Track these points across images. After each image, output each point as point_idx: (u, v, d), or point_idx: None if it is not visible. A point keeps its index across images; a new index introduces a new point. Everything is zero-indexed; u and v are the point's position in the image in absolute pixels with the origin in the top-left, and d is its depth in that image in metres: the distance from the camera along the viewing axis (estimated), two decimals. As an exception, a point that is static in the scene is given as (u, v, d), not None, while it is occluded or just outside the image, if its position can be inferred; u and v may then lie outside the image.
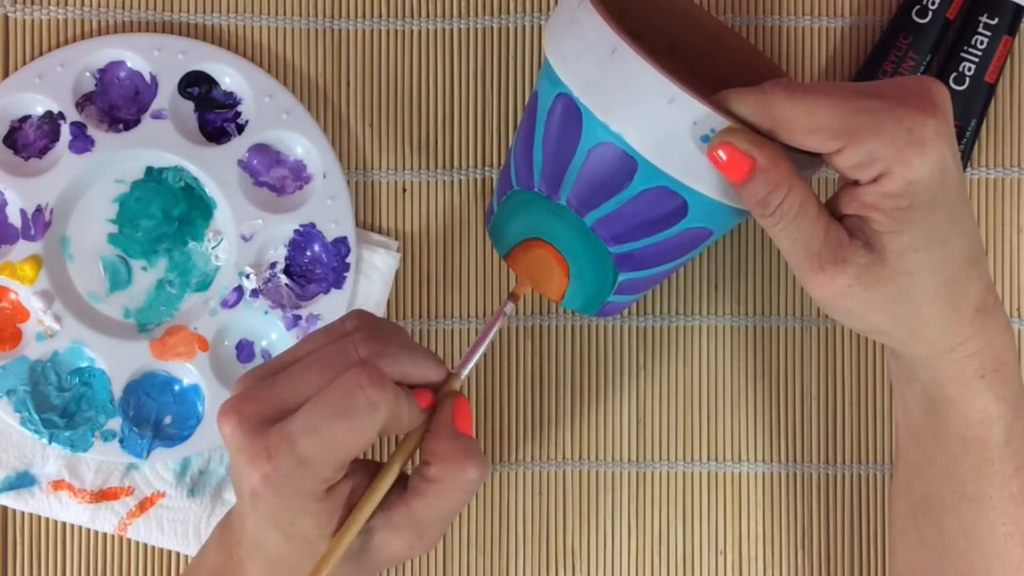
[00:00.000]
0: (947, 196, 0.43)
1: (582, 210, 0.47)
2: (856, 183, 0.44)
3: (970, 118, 0.60)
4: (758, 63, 0.57)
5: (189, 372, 0.58)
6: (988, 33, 0.59)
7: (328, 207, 0.59)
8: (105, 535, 0.60)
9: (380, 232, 0.61)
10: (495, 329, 0.48)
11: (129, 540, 0.60)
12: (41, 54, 0.60)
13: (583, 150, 0.46)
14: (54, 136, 0.59)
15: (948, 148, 0.43)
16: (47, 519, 0.59)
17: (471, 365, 0.47)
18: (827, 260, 0.43)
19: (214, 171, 0.58)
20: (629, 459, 0.61)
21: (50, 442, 0.58)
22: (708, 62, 0.56)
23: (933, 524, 0.49)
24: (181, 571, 0.60)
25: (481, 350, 0.48)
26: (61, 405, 0.58)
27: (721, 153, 0.43)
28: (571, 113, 0.46)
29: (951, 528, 0.48)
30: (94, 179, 0.59)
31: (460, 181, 0.61)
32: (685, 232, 0.48)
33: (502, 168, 0.51)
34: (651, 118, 0.44)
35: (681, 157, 0.44)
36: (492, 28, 0.61)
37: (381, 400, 0.41)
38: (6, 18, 0.61)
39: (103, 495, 0.58)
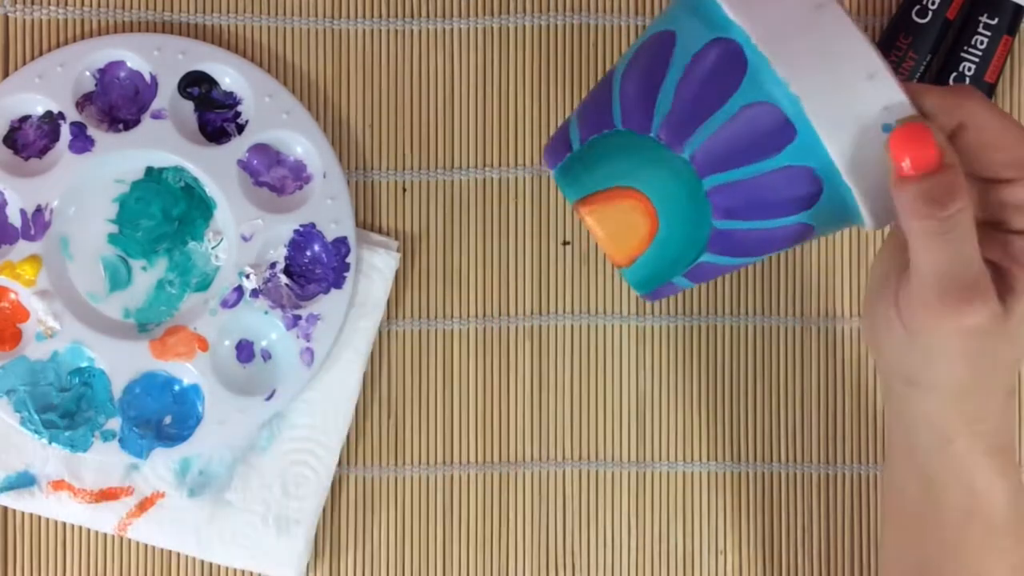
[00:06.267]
0: None
1: (705, 170, 0.42)
2: (1006, 228, 0.40)
3: (970, 118, 0.60)
4: None
5: (189, 372, 0.58)
6: (988, 33, 0.59)
7: (328, 207, 0.59)
8: (105, 535, 0.60)
9: (380, 232, 0.61)
10: None
11: (129, 540, 0.60)
12: (41, 54, 0.60)
13: (735, 105, 0.41)
14: (54, 136, 0.59)
15: None
16: (47, 519, 0.59)
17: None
18: (976, 293, 0.39)
19: (214, 171, 0.58)
20: (629, 459, 0.61)
21: (50, 442, 0.57)
22: None
23: None
24: (180, 571, 0.60)
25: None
26: (61, 405, 0.58)
27: (902, 143, 0.38)
28: (733, 62, 0.41)
29: None
30: (94, 179, 0.59)
31: (460, 181, 0.61)
32: (795, 226, 0.43)
33: (586, 103, 0.45)
34: (843, 90, 0.39)
35: (854, 141, 0.40)
36: (492, 28, 0.61)
37: None
38: (6, 18, 0.60)
39: (103, 495, 0.58)
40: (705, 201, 0.42)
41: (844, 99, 0.39)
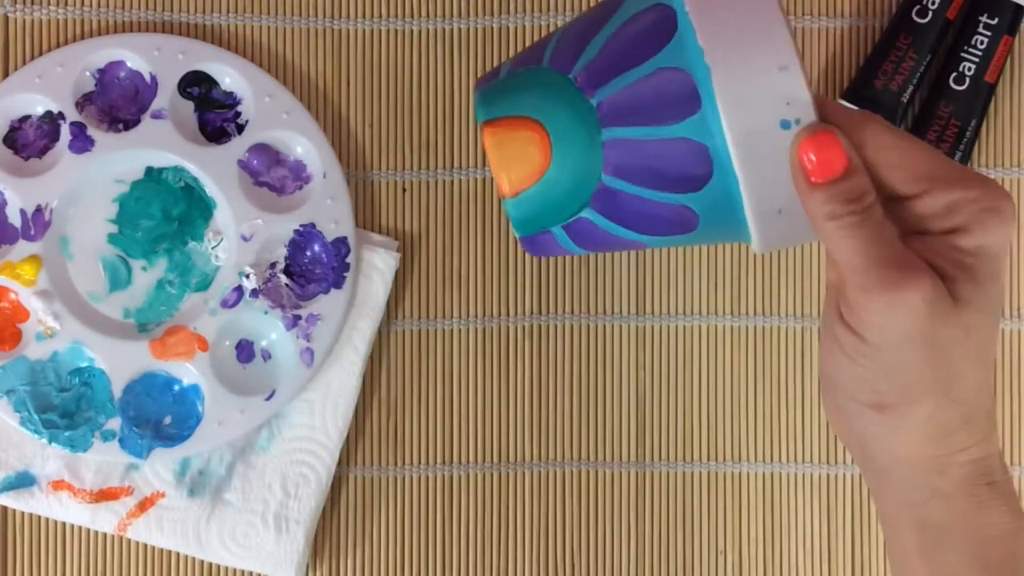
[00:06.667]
0: (999, 283, 0.41)
1: (607, 120, 0.42)
2: (930, 234, 0.41)
3: (970, 118, 0.60)
4: None
5: (189, 372, 0.58)
6: (988, 33, 0.59)
7: (328, 207, 0.59)
8: (105, 535, 0.60)
9: (380, 232, 0.61)
10: None
11: (129, 540, 0.60)
12: (41, 54, 0.60)
13: (651, 66, 0.41)
14: (54, 136, 0.59)
15: (1008, 246, 0.41)
16: (47, 519, 0.59)
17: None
18: (911, 267, 0.39)
19: (214, 171, 0.58)
20: (629, 459, 0.61)
21: (50, 442, 0.57)
22: None
23: None
24: (180, 571, 0.60)
25: None
26: (61, 405, 0.58)
27: (811, 149, 0.39)
28: (665, 26, 0.41)
29: None
30: (94, 179, 0.59)
31: (460, 181, 0.61)
32: (679, 208, 0.43)
33: (528, 47, 0.46)
34: (753, 72, 0.40)
35: (751, 127, 0.40)
36: (492, 28, 0.61)
37: None
38: (6, 18, 0.60)
39: (103, 495, 0.58)
40: (599, 152, 0.43)
41: (752, 82, 0.40)
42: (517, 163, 0.44)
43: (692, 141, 0.41)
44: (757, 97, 0.40)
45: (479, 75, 0.61)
